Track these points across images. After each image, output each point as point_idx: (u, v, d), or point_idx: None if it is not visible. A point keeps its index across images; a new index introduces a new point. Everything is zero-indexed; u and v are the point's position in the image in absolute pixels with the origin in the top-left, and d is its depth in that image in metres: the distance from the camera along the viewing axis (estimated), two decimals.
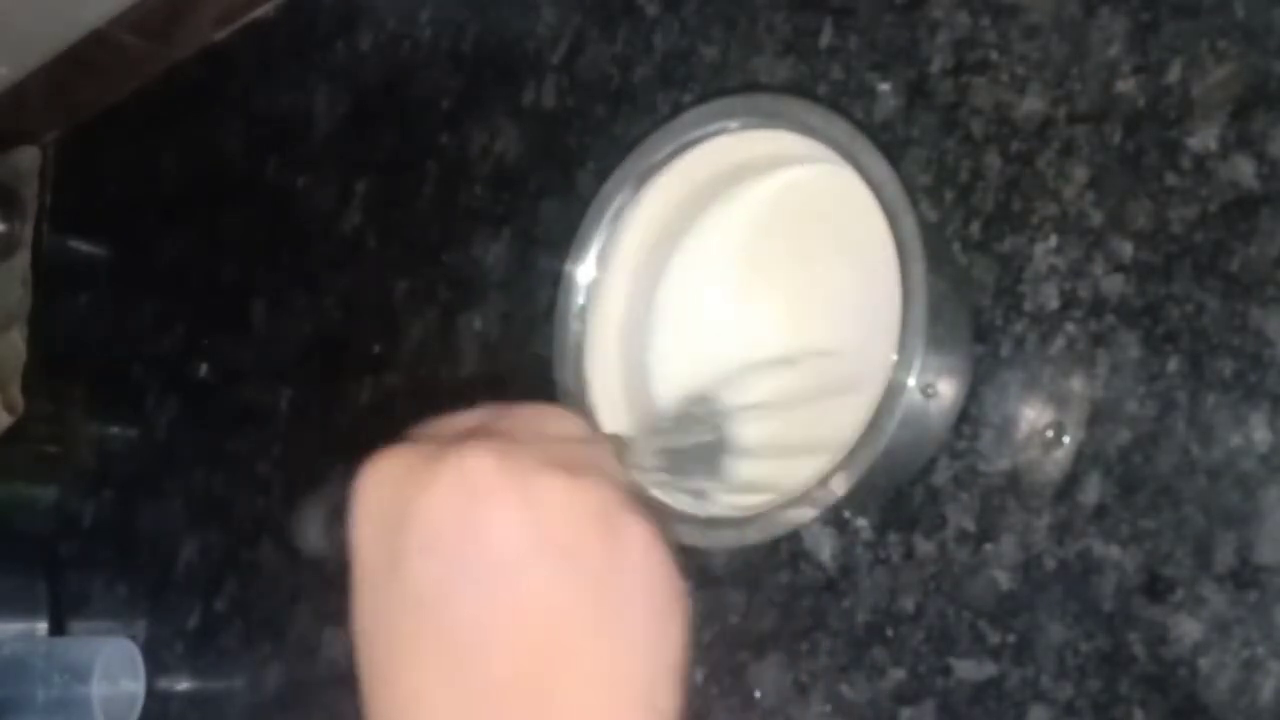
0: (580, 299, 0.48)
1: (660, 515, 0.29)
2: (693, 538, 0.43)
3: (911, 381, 0.39)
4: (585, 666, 0.26)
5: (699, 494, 0.42)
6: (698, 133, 0.46)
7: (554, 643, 0.25)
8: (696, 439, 0.42)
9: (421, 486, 0.26)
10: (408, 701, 0.26)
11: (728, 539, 0.43)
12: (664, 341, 0.50)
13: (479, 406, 0.31)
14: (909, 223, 0.39)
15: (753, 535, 0.42)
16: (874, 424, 0.39)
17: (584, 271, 0.48)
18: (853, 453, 0.39)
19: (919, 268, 0.39)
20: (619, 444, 0.34)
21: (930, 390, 0.40)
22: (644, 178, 0.47)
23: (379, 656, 0.26)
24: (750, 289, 0.50)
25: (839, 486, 0.39)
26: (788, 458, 0.42)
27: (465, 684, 0.25)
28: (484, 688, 0.25)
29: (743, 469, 0.43)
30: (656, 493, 0.41)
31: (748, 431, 0.43)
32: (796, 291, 0.48)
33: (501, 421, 0.29)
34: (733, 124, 0.45)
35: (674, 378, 0.50)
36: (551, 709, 0.25)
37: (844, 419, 0.41)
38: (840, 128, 0.41)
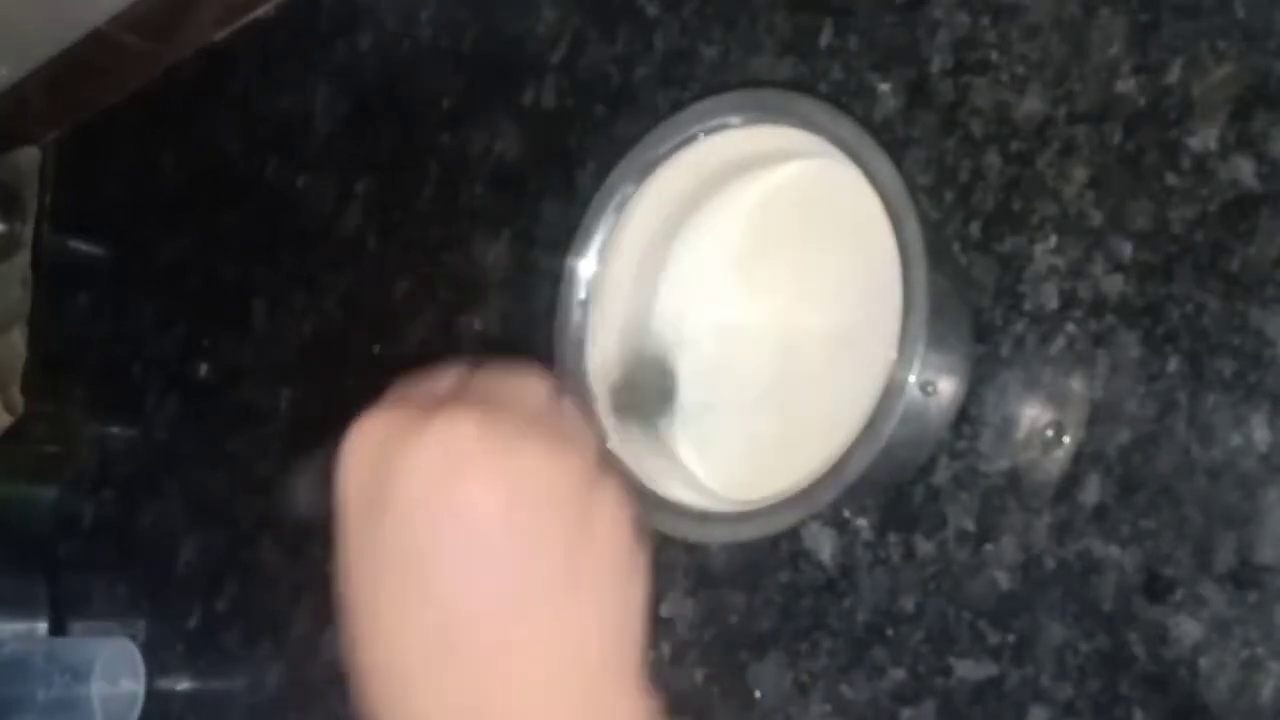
0: (582, 293, 0.48)
1: (628, 481, 0.30)
2: (687, 531, 0.43)
3: (911, 379, 0.39)
4: (553, 630, 0.27)
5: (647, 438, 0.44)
6: (700, 127, 0.46)
7: (525, 607, 0.27)
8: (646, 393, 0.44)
9: (406, 449, 0.27)
10: (390, 656, 0.27)
11: (723, 534, 0.43)
12: (665, 335, 0.50)
13: (453, 367, 0.32)
14: (911, 220, 0.39)
15: (748, 531, 0.42)
16: (873, 421, 0.39)
17: (586, 265, 0.48)
18: (851, 450, 0.39)
19: (920, 265, 0.39)
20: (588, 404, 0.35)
21: (930, 388, 0.40)
22: (646, 171, 0.47)
23: (363, 613, 0.28)
24: (750, 282, 0.50)
25: (837, 483, 0.39)
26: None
27: (441, 643, 0.26)
28: (458, 647, 0.26)
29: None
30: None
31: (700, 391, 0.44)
32: (796, 286, 0.48)
33: (480, 384, 0.30)
34: (735, 119, 0.45)
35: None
36: (519, 668, 0.27)
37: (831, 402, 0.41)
38: (846, 126, 0.41)
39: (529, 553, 0.27)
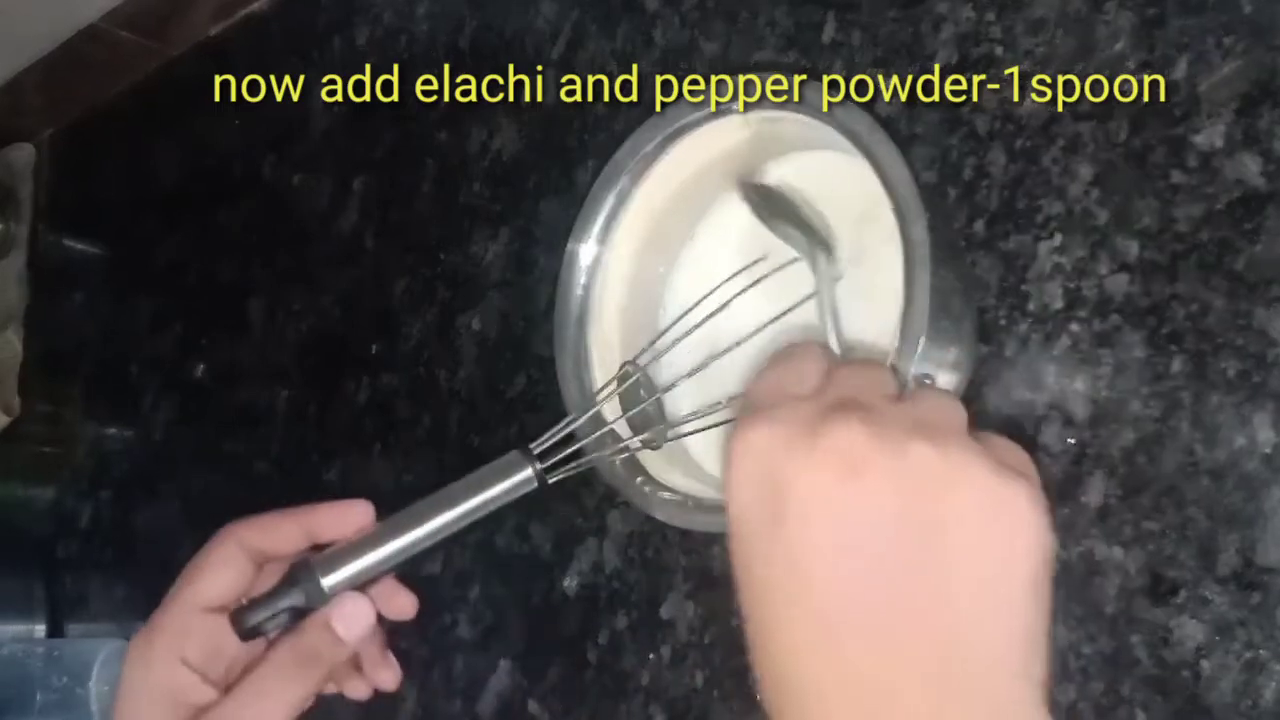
0: (582, 277, 0.48)
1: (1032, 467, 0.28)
2: (676, 518, 0.43)
3: (910, 371, 0.38)
4: (965, 643, 0.26)
5: None
6: (704, 111, 0.45)
7: (925, 617, 0.26)
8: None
9: (800, 459, 0.27)
10: (786, 657, 0.27)
11: (711, 523, 0.42)
12: (667, 318, 0.50)
13: (794, 361, 0.31)
14: (917, 215, 0.39)
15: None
16: None
17: (586, 250, 0.48)
18: None
19: (925, 256, 0.38)
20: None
21: (927, 380, 0.40)
22: (648, 155, 0.47)
23: (760, 613, 0.28)
24: (753, 270, 0.49)
25: None
26: None
27: (840, 650, 0.26)
28: (860, 656, 0.26)
29: None
30: None
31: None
32: (799, 275, 0.48)
33: (845, 385, 0.30)
34: (738, 104, 0.44)
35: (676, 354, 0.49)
36: (938, 684, 0.26)
37: None
38: (859, 119, 0.41)
39: (924, 563, 0.26)
